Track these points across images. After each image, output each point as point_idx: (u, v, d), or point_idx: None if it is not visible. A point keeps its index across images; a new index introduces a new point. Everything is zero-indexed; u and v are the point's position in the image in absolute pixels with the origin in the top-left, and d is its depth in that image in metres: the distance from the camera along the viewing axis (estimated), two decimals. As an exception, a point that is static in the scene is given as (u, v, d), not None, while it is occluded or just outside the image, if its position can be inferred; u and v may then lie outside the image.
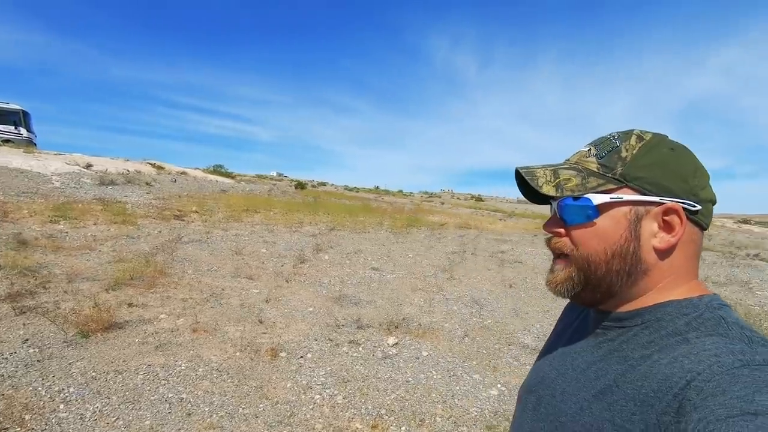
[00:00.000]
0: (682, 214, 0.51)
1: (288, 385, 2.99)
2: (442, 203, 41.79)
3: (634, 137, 0.55)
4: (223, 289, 5.02)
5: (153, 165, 20.15)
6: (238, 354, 3.37)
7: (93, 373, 2.86)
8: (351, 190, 54.50)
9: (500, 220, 23.39)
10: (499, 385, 3.30)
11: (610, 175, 0.54)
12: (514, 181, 0.62)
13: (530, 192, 0.61)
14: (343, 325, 4.26)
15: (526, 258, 9.71)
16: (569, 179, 0.55)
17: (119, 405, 2.55)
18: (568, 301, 0.69)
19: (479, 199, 78.43)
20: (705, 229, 0.55)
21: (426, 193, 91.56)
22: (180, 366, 3.09)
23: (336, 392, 2.96)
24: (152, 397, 2.67)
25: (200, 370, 3.07)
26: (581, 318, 0.67)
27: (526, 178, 0.57)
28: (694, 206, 0.51)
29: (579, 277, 0.56)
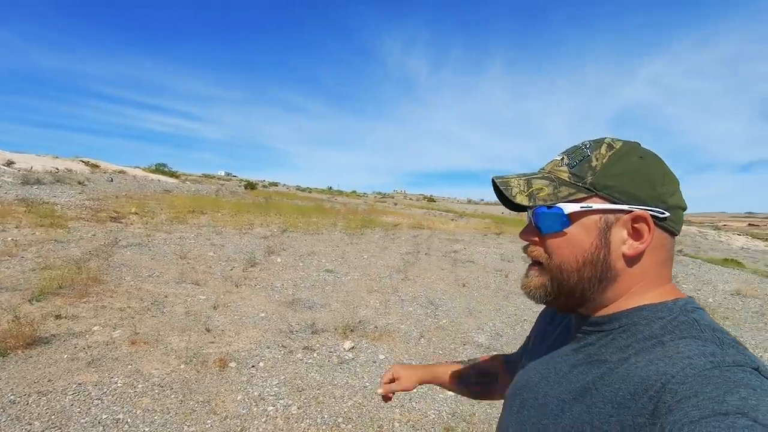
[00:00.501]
0: (650, 221, 0.52)
1: (238, 398, 2.81)
2: (395, 204, 42.18)
3: (604, 146, 0.56)
4: (166, 296, 4.70)
5: (86, 163, 18.67)
6: (182, 366, 3.14)
7: (11, 396, 2.53)
8: (303, 190, 53.64)
9: (452, 220, 23.93)
10: (455, 386, 3.31)
11: (580, 185, 0.55)
12: (492, 189, 0.62)
13: (507, 200, 0.61)
14: (297, 331, 4.12)
15: (478, 257, 9.97)
16: (542, 188, 0.56)
17: (43, 431, 2.28)
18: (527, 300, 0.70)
19: (431, 199, 79.99)
20: (676, 235, 0.55)
21: (379, 193, 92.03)
22: (116, 383, 2.82)
23: (290, 402, 2.83)
24: (83, 420, 2.41)
25: (139, 386, 2.82)
26: (564, 323, 0.68)
27: (501, 188, 0.59)
28: (663, 213, 0.52)
29: (552, 285, 0.57)
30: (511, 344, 4.29)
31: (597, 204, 0.53)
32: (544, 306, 0.73)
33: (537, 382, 0.62)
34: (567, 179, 0.56)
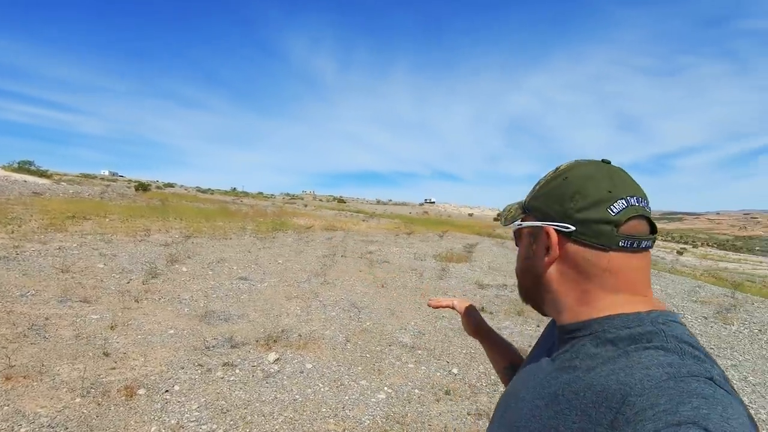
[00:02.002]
0: (553, 235, 0.57)
1: (153, 429, 2.50)
2: (305, 205, 41.40)
3: (552, 171, 0.64)
4: (47, 319, 4.01)
5: None
6: (78, 400, 2.70)
7: None
8: (205, 191, 50.02)
9: (363, 221, 24.20)
10: (386, 388, 3.33)
11: (523, 207, 0.66)
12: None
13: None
14: (213, 346, 3.80)
15: (393, 257, 10.20)
16: (511, 212, 0.68)
17: None
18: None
19: (341, 200, 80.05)
20: (604, 248, 0.54)
21: (288, 194, 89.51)
22: (-11, 430, 2.33)
23: (215, 426, 2.59)
24: (-55, 483, 1.94)
25: (22, 430, 2.36)
26: (551, 331, 0.71)
27: (501, 215, 0.71)
28: (567, 228, 0.55)
29: (519, 287, 0.69)
30: (434, 342, 4.46)
31: (526, 222, 0.64)
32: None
33: (519, 389, 0.64)
34: (522, 203, 0.67)
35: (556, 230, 0.57)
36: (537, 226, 0.60)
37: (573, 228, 0.55)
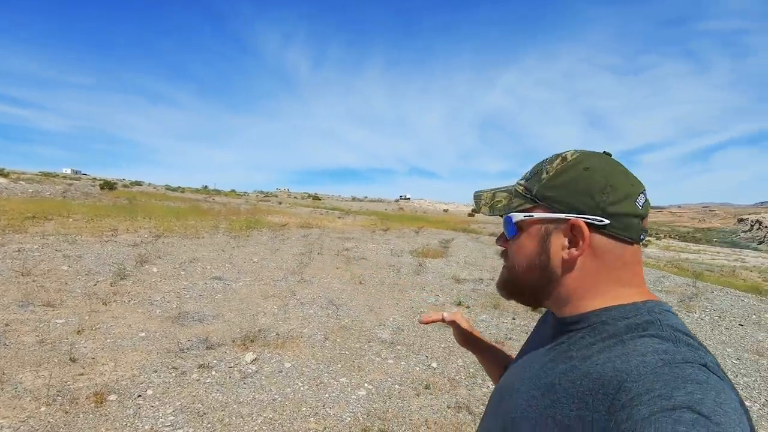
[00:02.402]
0: (584, 229, 0.55)
1: (125, 436, 2.42)
2: (280, 203, 40.84)
3: (559, 159, 0.60)
4: (7, 324, 3.81)
5: None
6: (43, 409, 2.57)
7: None
8: (175, 190, 48.64)
9: (339, 218, 24.07)
10: (366, 384, 3.33)
11: (528, 196, 0.61)
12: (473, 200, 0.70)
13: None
14: (188, 348, 3.70)
15: (369, 254, 10.19)
16: (500, 200, 0.64)
17: None
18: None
19: (317, 198, 79.40)
20: (631, 242, 0.57)
21: (261, 192, 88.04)
22: (-55, 444, 2.19)
23: (191, 430, 2.52)
24: None
25: (-17, 443, 2.24)
26: (546, 323, 0.71)
27: (473, 201, 0.67)
28: (601, 221, 0.55)
29: (509, 283, 0.65)
30: (413, 337, 4.48)
31: (539, 213, 0.59)
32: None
33: (514, 381, 0.65)
34: (521, 191, 0.62)
35: (587, 223, 0.55)
36: (558, 218, 0.57)
37: (607, 221, 0.55)
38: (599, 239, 0.56)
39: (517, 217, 0.60)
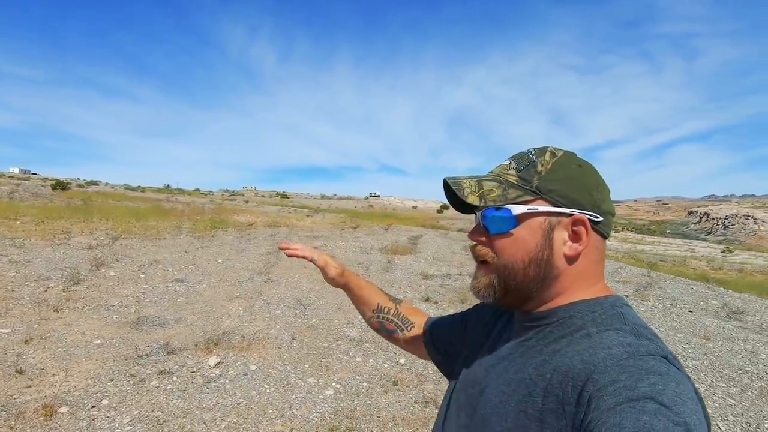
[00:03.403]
0: (588, 224, 0.56)
1: (78, 449, 2.29)
2: (246, 202, 39.96)
3: (548, 153, 0.60)
4: (-56, 337, 3.54)
5: None
6: (-15, 426, 2.41)
7: None
8: (134, 189, 46.69)
9: (308, 216, 23.80)
10: (334, 384, 3.30)
11: (527, 188, 0.58)
12: (443, 189, 0.64)
13: (456, 201, 0.63)
14: (147, 354, 3.55)
15: (338, 252, 10.13)
16: (492, 190, 0.58)
17: None
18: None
19: (285, 196, 78.22)
20: (606, 238, 0.61)
21: (227, 191, 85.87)
22: None
23: (150, 439, 2.43)
24: None
25: None
26: (504, 318, 0.70)
27: (453, 188, 0.60)
28: (597, 217, 0.57)
29: (499, 283, 0.59)
30: (381, 333, 4.49)
31: (542, 206, 0.57)
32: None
33: (481, 378, 0.64)
34: (515, 182, 0.58)
35: (588, 219, 0.56)
36: (562, 213, 0.56)
37: (601, 218, 0.57)
38: (591, 235, 0.57)
39: (520, 209, 0.56)
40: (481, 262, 0.61)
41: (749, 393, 3.52)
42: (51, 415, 2.55)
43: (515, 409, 0.53)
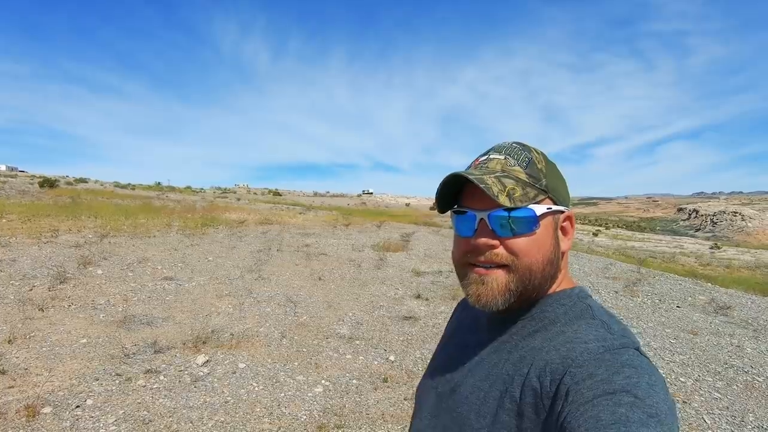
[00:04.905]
0: (574, 219, 0.61)
1: (60, 450, 2.25)
2: (239, 199, 39.68)
3: (533, 150, 0.60)
4: (-76, 337, 3.46)
5: None
6: (-35, 427, 2.36)
7: None
8: (124, 187, 46.20)
9: (300, 214, 23.69)
10: (323, 381, 3.29)
11: (539, 186, 0.56)
12: (440, 186, 0.58)
13: (447, 201, 0.59)
14: (134, 354, 3.51)
15: (330, 249, 10.09)
16: (514, 189, 0.54)
17: None
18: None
19: (277, 193, 77.85)
20: None
21: (219, 189, 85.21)
22: None
23: (135, 439, 2.40)
24: None
25: None
26: (469, 315, 0.71)
27: (481, 186, 0.53)
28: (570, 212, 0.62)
29: (518, 286, 0.55)
30: (371, 331, 4.48)
31: (552, 206, 0.57)
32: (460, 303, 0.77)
33: (452, 375, 0.64)
34: (527, 180, 0.56)
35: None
36: (562, 210, 0.59)
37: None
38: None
39: (541, 209, 0.55)
40: (492, 267, 0.55)
41: (735, 387, 3.56)
42: (33, 416, 2.51)
43: (494, 405, 0.53)
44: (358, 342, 4.15)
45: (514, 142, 0.61)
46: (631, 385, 0.43)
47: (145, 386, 2.99)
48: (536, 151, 0.60)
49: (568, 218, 0.60)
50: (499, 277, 0.55)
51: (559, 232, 0.59)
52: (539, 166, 0.58)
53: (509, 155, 0.58)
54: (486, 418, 0.53)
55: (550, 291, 0.59)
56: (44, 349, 3.47)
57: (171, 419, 2.62)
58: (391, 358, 3.79)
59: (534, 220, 0.55)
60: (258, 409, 2.82)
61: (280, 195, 72.69)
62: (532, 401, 0.49)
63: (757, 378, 3.76)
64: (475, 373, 0.59)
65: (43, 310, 4.35)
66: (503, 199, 0.53)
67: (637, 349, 0.49)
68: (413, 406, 0.74)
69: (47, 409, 2.60)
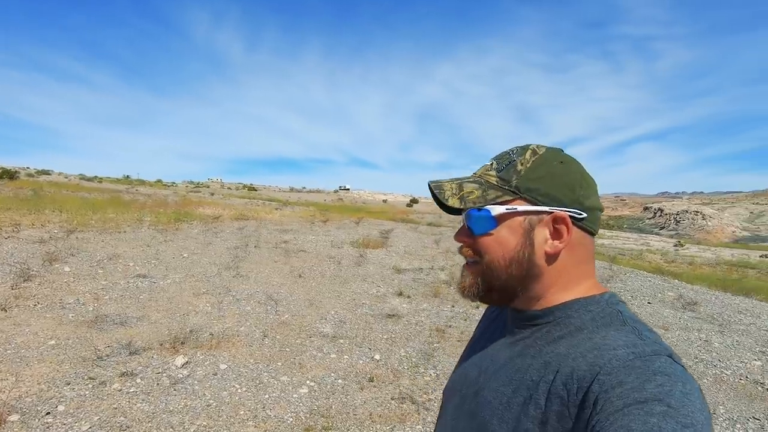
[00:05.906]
0: (569, 221, 0.56)
1: (31, 461, 2.12)
2: (212, 194, 38.76)
3: (529, 152, 0.59)
4: None
5: None
6: None
7: None
8: (90, 180, 44.41)
9: (277, 209, 23.32)
10: (308, 382, 3.23)
11: (506, 188, 0.58)
12: (430, 194, 0.63)
13: (443, 204, 0.62)
14: (107, 356, 3.35)
15: (309, 246, 9.97)
16: (471, 192, 0.59)
17: None
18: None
19: (252, 188, 76.49)
20: (594, 234, 0.61)
21: (191, 182, 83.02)
22: None
23: (112, 447, 2.28)
24: None
25: None
26: (499, 318, 0.70)
27: (435, 191, 0.61)
28: (580, 214, 0.57)
29: (482, 282, 0.59)
30: (355, 329, 4.44)
31: (521, 206, 0.57)
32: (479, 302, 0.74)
33: (475, 377, 0.63)
34: (495, 183, 0.59)
35: (570, 216, 0.56)
36: (540, 211, 0.56)
37: (585, 215, 0.57)
38: (576, 232, 0.57)
39: (498, 210, 0.57)
40: (468, 263, 0.62)
41: (705, 380, 3.71)
42: (0, 425, 2.35)
43: (516, 411, 0.52)
44: (342, 341, 4.10)
45: (519, 146, 0.61)
46: (663, 394, 0.41)
47: (120, 390, 2.86)
48: (533, 152, 0.59)
49: (561, 220, 0.56)
50: (468, 272, 0.61)
51: (546, 234, 0.56)
52: (519, 167, 0.58)
53: (497, 160, 0.61)
54: (508, 424, 0.52)
55: (561, 294, 0.58)
56: (9, 351, 3.27)
57: (150, 425, 2.51)
58: (377, 356, 3.76)
59: (489, 221, 0.58)
60: (242, 412, 2.74)
61: (255, 190, 71.45)
62: (558, 409, 0.48)
63: (725, 371, 3.93)
64: (498, 377, 0.58)
65: (6, 310, 4.11)
66: (453, 201, 0.59)
67: (671, 356, 0.47)
68: (439, 405, 0.74)
69: (14, 417, 2.45)
